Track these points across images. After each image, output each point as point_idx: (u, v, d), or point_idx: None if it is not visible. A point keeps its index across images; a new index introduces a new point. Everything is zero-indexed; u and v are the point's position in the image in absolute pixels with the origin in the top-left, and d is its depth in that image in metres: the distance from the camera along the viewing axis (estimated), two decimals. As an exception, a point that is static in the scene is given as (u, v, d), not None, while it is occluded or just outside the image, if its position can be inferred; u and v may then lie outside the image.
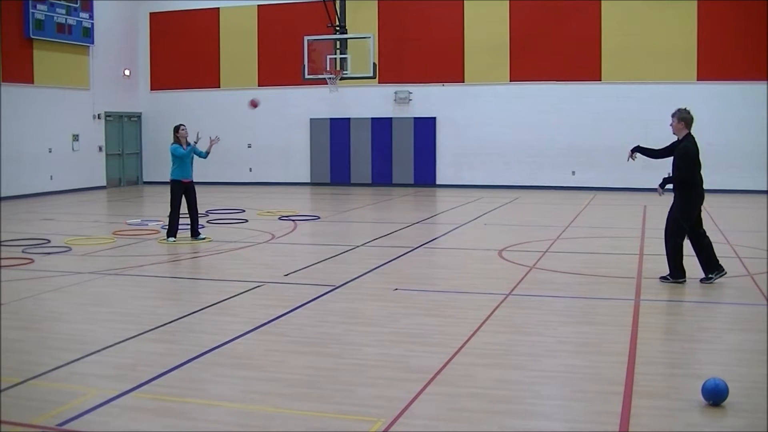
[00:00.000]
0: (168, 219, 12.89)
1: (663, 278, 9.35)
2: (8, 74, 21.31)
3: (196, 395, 5.46)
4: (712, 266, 9.25)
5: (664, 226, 9.42)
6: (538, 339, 6.93)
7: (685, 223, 9.14)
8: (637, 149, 9.64)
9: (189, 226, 13.03)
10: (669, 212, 9.35)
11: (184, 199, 12.88)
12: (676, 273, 9.26)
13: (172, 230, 12.80)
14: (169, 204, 12.90)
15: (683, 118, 9.22)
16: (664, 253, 9.37)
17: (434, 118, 24.74)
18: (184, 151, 12.77)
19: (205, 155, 13.10)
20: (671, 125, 9.31)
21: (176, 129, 13.04)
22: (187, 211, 12.91)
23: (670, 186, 9.22)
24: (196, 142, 12.90)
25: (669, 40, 22.48)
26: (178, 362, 6.16)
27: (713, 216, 16.29)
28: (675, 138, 9.40)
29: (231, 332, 7.08)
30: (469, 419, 5.00)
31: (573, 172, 23.51)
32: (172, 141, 12.98)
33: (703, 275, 9.30)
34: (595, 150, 23.28)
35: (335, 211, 18.61)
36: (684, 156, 9.08)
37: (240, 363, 6.21)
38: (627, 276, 9.79)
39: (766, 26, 21.43)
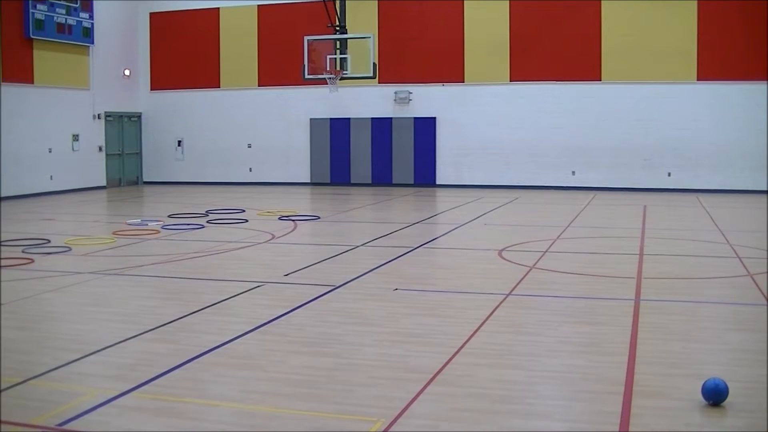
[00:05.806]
0: None
1: None
2: (8, 74, 21.29)
3: (196, 395, 5.46)
4: None
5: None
6: (538, 339, 6.93)
7: None
8: None
9: None
10: None
11: None
12: None
13: None
14: None
15: None
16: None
17: (434, 118, 24.72)
18: None
19: None
20: None
21: None
22: None
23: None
24: None
25: (669, 40, 22.47)
26: (178, 362, 6.16)
27: (713, 216, 16.30)
28: None
29: (231, 332, 7.08)
30: (469, 419, 5.00)
31: (573, 172, 23.50)
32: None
33: None
34: (595, 150, 23.28)
35: (335, 211, 18.61)
36: None
37: (240, 363, 6.20)
38: (627, 276, 9.79)
39: (766, 26, 21.42)
